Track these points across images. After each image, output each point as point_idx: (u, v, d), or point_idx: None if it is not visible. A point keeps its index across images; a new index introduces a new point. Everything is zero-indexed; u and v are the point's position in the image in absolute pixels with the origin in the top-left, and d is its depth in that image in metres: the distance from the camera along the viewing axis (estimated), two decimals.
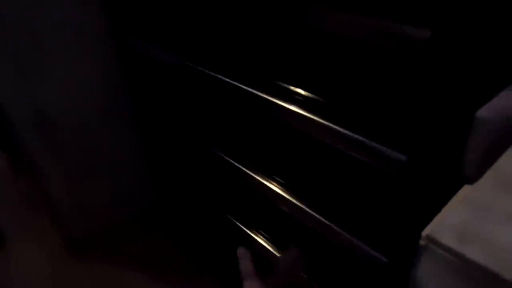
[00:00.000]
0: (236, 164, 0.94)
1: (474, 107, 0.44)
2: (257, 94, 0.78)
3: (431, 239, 0.37)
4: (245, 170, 0.92)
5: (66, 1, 1.22)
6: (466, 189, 0.48)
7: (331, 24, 0.56)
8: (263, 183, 0.88)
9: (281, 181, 0.85)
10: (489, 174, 0.40)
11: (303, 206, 0.80)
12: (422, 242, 0.41)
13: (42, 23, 1.21)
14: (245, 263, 0.69)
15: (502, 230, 0.35)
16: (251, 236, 1.03)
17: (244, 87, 0.80)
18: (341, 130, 0.64)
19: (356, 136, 0.62)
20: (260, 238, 1.01)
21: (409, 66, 0.51)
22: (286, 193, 0.83)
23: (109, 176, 1.54)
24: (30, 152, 1.35)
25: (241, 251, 0.71)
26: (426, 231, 0.42)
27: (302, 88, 0.71)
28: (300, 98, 0.72)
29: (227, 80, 0.84)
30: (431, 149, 0.54)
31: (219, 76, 0.86)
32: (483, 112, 0.45)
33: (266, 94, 0.75)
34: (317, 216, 0.77)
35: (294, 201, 0.81)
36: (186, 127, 1.11)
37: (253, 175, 0.90)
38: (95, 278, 1.47)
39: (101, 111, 1.42)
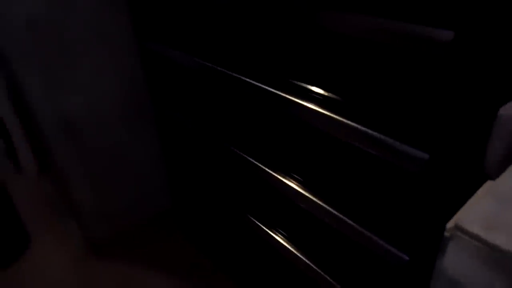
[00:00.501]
0: (255, 162, 0.97)
1: (497, 104, 0.46)
2: (276, 93, 0.80)
3: (458, 228, 0.39)
4: (264, 168, 0.94)
5: (92, 8, 1.27)
6: (488, 184, 0.50)
7: (356, 29, 0.59)
8: (282, 181, 0.90)
9: (300, 179, 0.88)
10: (511, 170, 0.42)
11: (322, 204, 0.82)
12: (447, 234, 0.43)
13: (69, 29, 1.26)
14: None
15: None
16: (270, 235, 1.05)
17: (264, 86, 0.83)
18: (362, 128, 0.66)
19: (377, 134, 0.64)
20: (279, 237, 1.03)
21: (432, 66, 0.53)
22: (306, 191, 0.85)
23: (130, 179, 1.58)
24: (55, 155, 1.39)
25: None
26: (451, 223, 0.44)
27: (322, 88, 0.74)
28: (319, 97, 0.75)
29: (247, 79, 0.87)
30: (454, 147, 0.55)
31: (239, 76, 0.89)
32: (506, 109, 0.46)
33: (288, 93, 0.77)
34: (337, 213, 0.78)
35: (314, 199, 0.83)
36: (206, 127, 1.15)
37: (273, 173, 0.92)
38: (116, 280, 1.50)
39: (124, 115, 1.46)
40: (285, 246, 1.01)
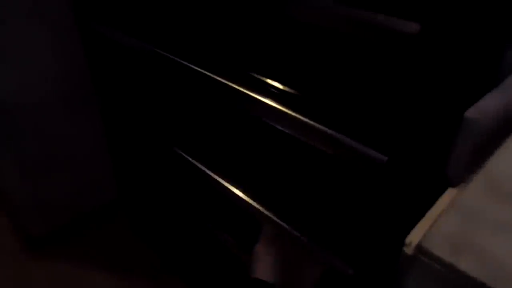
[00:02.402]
0: (199, 165, 0.89)
1: (463, 107, 0.42)
2: (228, 85, 0.73)
3: (419, 248, 0.34)
4: (209, 172, 0.87)
5: None
6: (451, 193, 0.46)
7: (314, 15, 0.53)
8: (227, 187, 0.83)
9: (246, 182, 0.81)
10: (478, 178, 0.38)
11: (266, 212, 0.76)
12: (407, 251, 0.38)
13: None
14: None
15: (495, 240, 0.32)
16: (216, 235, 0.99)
17: (215, 77, 0.75)
18: (318, 125, 0.60)
19: (333, 132, 0.59)
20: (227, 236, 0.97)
21: (395, 61, 0.49)
22: (248, 196, 0.79)
23: (70, 168, 1.45)
24: None
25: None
26: (410, 238, 0.39)
27: (278, 81, 0.68)
28: (275, 91, 0.68)
29: (196, 68, 0.79)
30: (415, 149, 0.51)
31: (187, 63, 0.81)
32: (472, 112, 0.42)
33: (238, 85, 0.70)
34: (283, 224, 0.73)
35: (255, 205, 0.77)
36: (152, 116, 1.05)
37: (218, 178, 0.85)
38: (56, 278, 1.39)
39: (63, 99, 1.33)
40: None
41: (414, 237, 0.39)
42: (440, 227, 0.34)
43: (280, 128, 0.68)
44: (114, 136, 1.37)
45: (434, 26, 0.44)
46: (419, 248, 0.32)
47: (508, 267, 0.29)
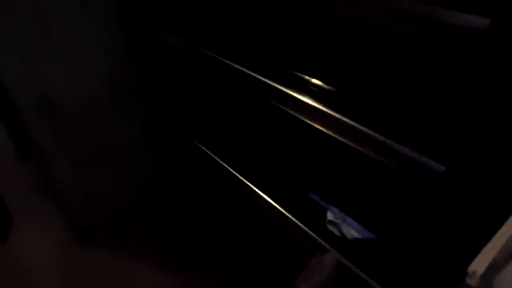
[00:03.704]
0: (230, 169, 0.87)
1: None
2: (276, 87, 0.69)
3: (489, 284, 0.29)
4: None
5: None
6: None
7: (369, 12, 0.48)
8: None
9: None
10: None
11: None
12: (471, 282, 0.33)
13: (47, 3, 1.14)
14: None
15: None
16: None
17: (256, 76, 0.72)
18: (369, 131, 0.56)
19: (385, 139, 0.54)
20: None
21: (459, 60, 0.43)
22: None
23: (116, 162, 1.49)
24: (35, 136, 1.30)
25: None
26: (474, 267, 0.34)
27: (328, 83, 0.63)
28: (321, 93, 0.64)
29: (238, 67, 0.76)
30: (477, 159, 0.46)
31: (229, 62, 0.78)
32: None
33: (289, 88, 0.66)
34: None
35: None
36: (194, 114, 1.05)
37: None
38: (101, 266, 1.44)
39: (109, 95, 1.36)
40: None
41: (478, 266, 0.34)
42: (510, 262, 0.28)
43: (324, 130, 0.64)
44: (156, 130, 1.38)
45: (506, 20, 0.38)
46: (487, 280, 0.28)
47: None
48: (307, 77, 0.66)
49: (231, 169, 0.89)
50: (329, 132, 0.62)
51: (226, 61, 0.79)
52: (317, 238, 0.72)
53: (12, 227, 1.59)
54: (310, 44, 0.65)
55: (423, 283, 0.56)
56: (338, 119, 0.58)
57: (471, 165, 0.46)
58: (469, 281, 0.33)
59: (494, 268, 0.34)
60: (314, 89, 0.64)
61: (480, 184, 0.45)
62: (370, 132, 0.54)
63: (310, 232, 0.72)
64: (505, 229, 0.39)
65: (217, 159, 0.94)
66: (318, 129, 0.66)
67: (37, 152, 1.37)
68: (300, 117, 0.65)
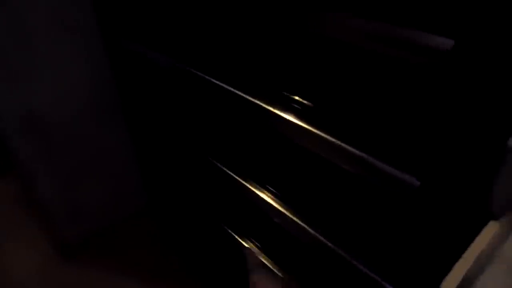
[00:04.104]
0: (229, 172, 0.87)
1: (506, 134, 0.37)
2: (258, 104, 0.70)
3: None
4: (239, 179, 0.85)
5: (55, 1, 1.15)
6: (493, 227, 0.41)
7: (340, 31, 0.49)
8: (257, 193, 0.81)
9: (276, 193, 0.79)
10: None
11: (299, 222, 0.73)
12: None
13: (30, 20, 1.13)
14: (254, 257, 0.64)
15: None
16: (244, 244, 0.97)
17: (240, 93, 0.73)
18: (346, 146, 0.57)
19: (362, 154, 0.55)
20: (254, 248, 0.95)
21: (428, 79, 0.44)
22: (281, 206, 0.77)
23: (101, 177, 1.48)
24: (17, 152, 1.28)
25: (249, 248, 0.66)
26: (448, 283, 0.35)
27: (306, 99, 0.64)
28: (300, 108, 0.65)
29: (221, 84, 0.77)
30: (451, 174, 0.47)
31: (211, 79, 0.79)
32: None
33: (269, 104, 0.67)
34: (311, 230, 0.70)
35: (289, 215, 0.75)
36: (179, 131, 1.05)
37: (247, 184, 0.83)
38: (87, 282, 1.42)
39: (92, 111, 1.35)
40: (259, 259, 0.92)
41: (451, 283, 0.35)
42: (484, 282, 0.29)
43: (304, 145, 0.64)
44: (142, 146, 1.38)
45: (468, 41, 0.39)
46: None
47: None
48: (287, 94, 0.67)
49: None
50: (312, 149, 0.63)
51: (206, 77, 0.79)
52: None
53: None
54: (289, 62, 0.66)
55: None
56: (322, 137, 0.59)
57: (445, 180, 0.47)
58: None
59: (467, 283, 0.34)
60: (296, 106, 0.65)
61: (452, 200, 0.46)
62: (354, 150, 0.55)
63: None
64: (476, 244, 0.40)
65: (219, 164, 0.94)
66: (296, 144, 0.67)
67: (21, 169, 1.35)
68: (280, 131, 0.66)
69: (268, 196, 0.79)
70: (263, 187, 0.80)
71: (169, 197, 1.36)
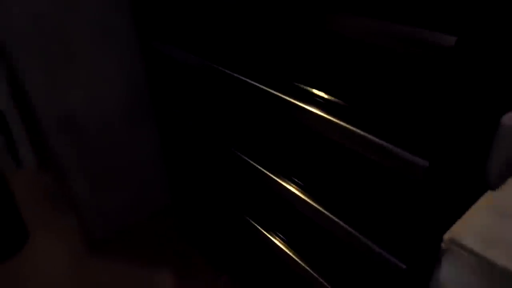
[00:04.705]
0: (255, 164, 0.96)
1: (500, 113, 0.45)
2: (279, 96, 0.79)
3: (455, 242, 0.38)
4: (264, 171, 0.93)
5: (96, 5, 1.27)
6: (489, 195, 0.49)
7: (355, 30, 0.57)
8: (282, 184, 0.89)
9: (300, 183, 0.86)
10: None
11: (321, 209, 0.81)
12: (444, 245, 0.41)
13: (72, 26, 1.25)
14: None
15: None
16: (269, 238, 1.04)
17: (266, 88, 0.82)
18: (362, 133, 0.65)
19: (377, 140, 0.63)
20: (278, 241, 1.02)
21: (434, 72, 0.52)
22: (304, 195, 0.84)
23: (130, 176, 1.58)
24: (54, 151, 1.39)
25: None
26: (448, 235, 0.42)
27: (324, 91, 0.73)
28: (321, 100, 0.73)
29: (249, 80, 0.86)
30: (454, 155, 0.54)
31: (240, 77, 0.88)
32: (509, 118, 0.45)
33: (290, 96, 0.76)
34: (336, 219, 0.77)
35: (312, 203, 0.82)
36: (207, 127, 1.13)
37: (273, 176, 0.91)
38: (114, 277, 1.50)
39: (125, 112, 1.46)
40: (283, 249, 1.00)
41: (451, 234, 0.42)
42: (474, 223, 0.37)
43: (329, 136, 0.72)
44: (170, 147, 1.47)
45: (469, 37, 0.47)
46: (453, 240, 0.36)
47: None
48: (307, 88, 0.75)
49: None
50: (332, 137, 0.71)
51: (235, 74, 0.89)
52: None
53: (28, 238, 1.66)
54: (307, 58, 0.74)
55: (417, 251, 0.64)
56: (342, 126, 0.67)
57: (449, 159, 0.55)
58: (444, 245, 0.41)
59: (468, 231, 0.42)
60: (318, 99, 0.73)
61: (456, 175, 0.53)
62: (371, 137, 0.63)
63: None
64: (473, 209, 0.47)
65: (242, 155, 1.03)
66: (319, 134, 0.75)
67: (56, 166, 1.45)
68: (299, 119, 0.74)
69: (292, 186, 0.87)
70: (288, 178, 0.88)
71: (193, 195, 1.45)
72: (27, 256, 1.61)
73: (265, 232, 1.05)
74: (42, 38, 1.21)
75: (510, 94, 0.46)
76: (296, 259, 0.96)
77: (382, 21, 0.53)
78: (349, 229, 0.75)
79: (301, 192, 0.85)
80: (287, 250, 0.99)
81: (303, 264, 0.94)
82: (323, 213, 0.80)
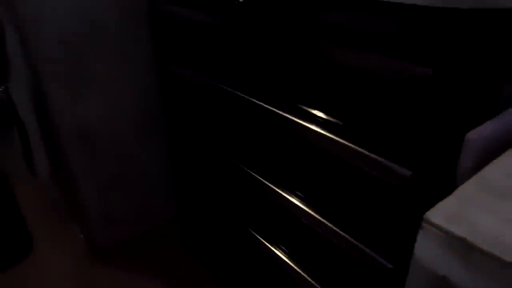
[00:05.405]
0: (259, 177, 1.06)
1: (466, 130, 0.57)
2: (282, 115, 0.91)
3: (425, 220, 0.49)
4: (268, 183, 1.04)
5: (117, 33, 1.40)
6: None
7: (350, 60, 0.70)
8: (283, 195, 0.99)
9: (301, 194, 0.97)
10: (474, 179, 0.53)
11: (321, 218, 0.91)
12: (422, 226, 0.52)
13: (95, 47, 1.38)
14: None
15: (481, 216, 0.47)
16: (272, 250, 1.12)
17: (271, 108, 0.94)
18: (355, 147, 0.76)
19: (367, 153, 0.75)
20: (280, 252, 1.10)
21: (414, 97, 0.64)
22: (305, 205, 0.95)
23: (137, 188, 1.67)
24: (69, 161, 1.48)
25: None
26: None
27: (322, 111, 0.85)
28: (320, 119, 0.85)
29: (256, 101, 0.98)
30: (432, 165, 0.66)
31: (249, 98, 1.00)
32: (472, 134, 0.57)
33: (292, 115, 0.88)
34: (331, 225, 0.88)
35: (312, 213, 0.92)
36: (214, 143, 1.25)
37: (275, 188, 1.01)
38: (115, 285, 1.55)
39: (137, 127, 1.57)
40: (285, 261, 1.07)
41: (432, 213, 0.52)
42: (441, 206, 0.48)
43: (327, 151, 0.84)
44: (177, 160, 1.58)
45: (443, 69, 0.60)
46: (424, 219, 0.47)
47: (486, 229, 0.43)
48: (307, 108, 0.87)
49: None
50: (329, 151, 0.82)
51: (240, 94, 1.01)
52: None
53: (33, 246, 1.72)
54: (308, 83, 0.87)
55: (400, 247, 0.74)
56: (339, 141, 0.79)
57: (429, 169, 0.66)
58: (425, 225, 0.52)
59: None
60: (317, 118, 0.85)
61: (432, 182, 0.65)
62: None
63: None
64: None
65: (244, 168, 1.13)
66: (319, 149, 0.87)
67: (69, 174, 1.54)
68: (296, 133, 0.86)
69: (294, 198, 0.98)
70: (290, 190, 0.99)
71: (197, 207, 1.54)
72: (31, 264, 1.64)
73: (268, 244, 1.14)
74: (67, 61, 1.34)
75: (473, 114, 0.58)
76: (299, 271, 1.03)
77: (373, 54, 0.66)
78: (343, 234, 0.85)
79: (302, 203, 0.95)
80: (290, 262, 1.06)
81: (306, 276, 1.02)
82: (322, 221, 0.90)
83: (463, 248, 0.43)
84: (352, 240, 0.84)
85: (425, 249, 0.49)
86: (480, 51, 0.59)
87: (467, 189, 0.54)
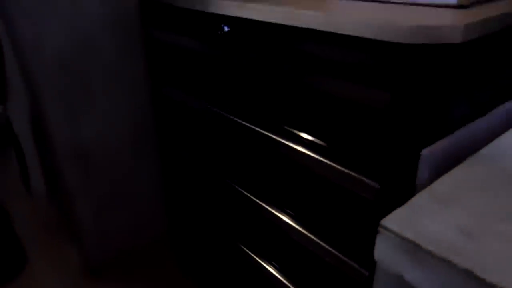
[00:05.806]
0: (250, 196, 1.13)
1: (422, 147, 0.65)
2: (270, 136, 0.99)
3: (382, 226, 0.56)
4: (258, 201, 1.10)
5: (113, 55, 1.49)
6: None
7: (327, 87, 0.79)
8: (273, 213, 1.06)
9: (290, 212, 1.04)
10: (426, 190, 0.61)
11: (308, 234, 0.97)
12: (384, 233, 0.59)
13: (92, 71, 1.46)
14: None
15: (428, 221, 0.54)
16: (263, 266, 1.17)
17: (259, 130, 1.02)
18: (335, 165, 0.84)
19: (346, 170, 0.82)
20: (272, 268, 1.15)
21: (379, 118, 0.73)
22: (293, 222, 1.01)
23: (129, 204, 1.72)
24: (65, 176, 1.54)
25: None
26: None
27: (307, 133, 0.93)
28: (306, 141, 0.93)
29: (246, 124, 1.06)
30: (396, 179, 0.74)
31: (239, 120, 1.08)
32: (427, 151, 0.65)
33: (279, 136, 0.96)
34: (319, 241, 0.94)
35: (300, 229, 0.99)
36: (206, 162, 1.32)
37: (266, 206, 1.08)
38: None
39: (131, 147, 1.63)
40: (277, 277, 1.12)
41: (389, 220, 0.60)
42: (395, 214, 0.56)
43: (310, 169, 0.92)
44: (170, 177, 1.64)
45: (401, 94, 0.68)
46: (380, 225, 0.55)
47: (431, 233, 0.51)
48: (292, 130, 0.95)
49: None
50: (315, 170, 0.90)
51: (231, 116, 1.09)
52: None
53: (27, 263, 1.75)
54: (294, 107, 0.95)
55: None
56: (320, 160, 0.87)
57: (394, 182, 0.74)
58: (381, 230, 0.59)
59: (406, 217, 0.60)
60: (303, 139, 0.93)
61: (397, 193, 0.73)
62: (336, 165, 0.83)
63: None
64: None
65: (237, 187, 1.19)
66: (305, 168, 0.95)
67: (65, 191, 1.60)
68: (282, 153, 0.94)
69: (283, 214, 1.04)
70: (279, 207, 1.05)
71: (189, 224, 1.59)
72: (25, 282, 1.67)
73: (259, 260, 1.20)
74: (66, 78, 1.41)
75: (428, 133, 0.66)
76: (290, 286, 1.09)
77: (344, 81, 0.75)
78: (330, 248, 0.92)
79: (291, 219, 1.02)
80: (281, 277, 1.11)
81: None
82: (310, 237, 0.96)
83: (412, 249, 0.51)
84: (336, 252, 0.91)
85: (383, 252, 0.56)
86: (430, 79, 0.68)
87: (419, 199, 0.62)
